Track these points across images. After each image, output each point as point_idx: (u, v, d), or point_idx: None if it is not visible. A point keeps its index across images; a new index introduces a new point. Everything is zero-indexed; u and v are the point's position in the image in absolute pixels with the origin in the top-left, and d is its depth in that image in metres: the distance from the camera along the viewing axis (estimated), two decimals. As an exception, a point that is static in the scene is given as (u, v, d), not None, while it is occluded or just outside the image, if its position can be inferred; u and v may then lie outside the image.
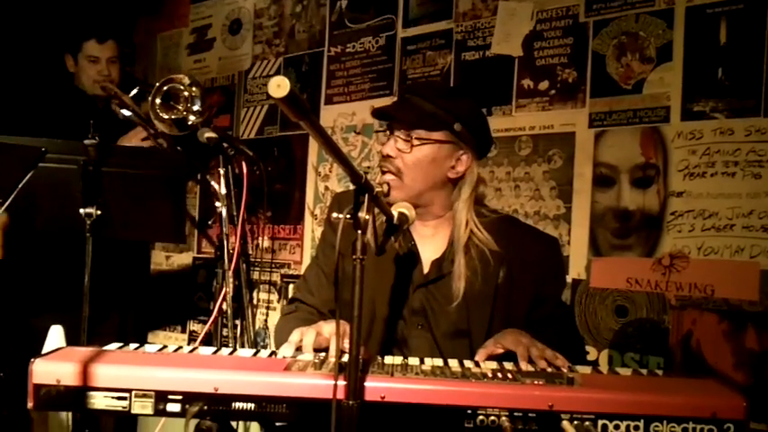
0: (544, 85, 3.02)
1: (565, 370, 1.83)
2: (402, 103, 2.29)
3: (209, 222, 4.25)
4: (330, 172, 3.78)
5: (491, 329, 2.10)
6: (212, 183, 3.17)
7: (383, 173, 2.22)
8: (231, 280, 3.09)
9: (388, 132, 2.23)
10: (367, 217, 1.51)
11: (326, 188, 3.79)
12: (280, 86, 1.09)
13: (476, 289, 2.17)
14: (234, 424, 1.75)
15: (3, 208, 1.87)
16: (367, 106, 3.60)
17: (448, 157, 2.21)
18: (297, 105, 1.16)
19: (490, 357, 1.93)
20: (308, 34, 3.94)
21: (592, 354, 2.82)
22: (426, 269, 2.24)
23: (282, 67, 4.03)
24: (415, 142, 2.16)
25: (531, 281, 2.21)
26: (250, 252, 4.00)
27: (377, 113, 2.30)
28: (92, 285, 2.51)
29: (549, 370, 1.81)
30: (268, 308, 4.01)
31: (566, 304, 2.54)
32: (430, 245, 2.27)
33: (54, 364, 1.63)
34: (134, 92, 3.36)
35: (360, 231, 1.50)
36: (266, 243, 4.02)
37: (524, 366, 1.83)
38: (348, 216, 1.52)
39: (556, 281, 2.37)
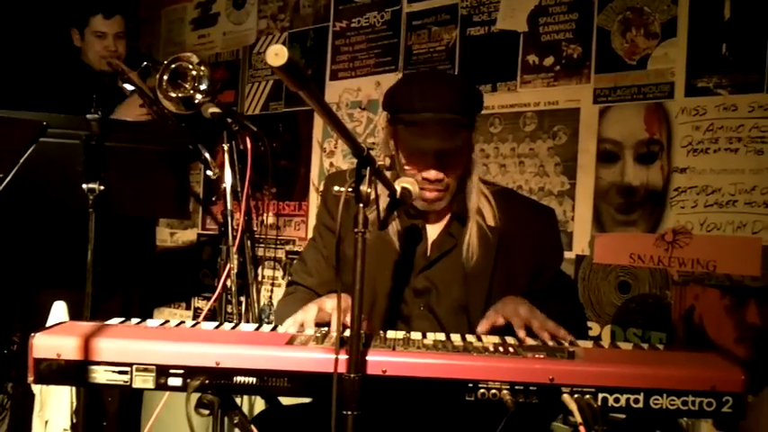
0: (549, 60, 3.01)
1: (566, 342, 1.83)
2: (437, 125, 2.05)
3: (214, 199, 4.26)
4: (335, 148, 3.77)
5: (488, 304, 2.07)
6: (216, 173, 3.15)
7: (422, 189, 2.07)
8: (236, 256, 3.09)
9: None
10: (369, 190, 1.50)
11: (331, 164, 3.78)
12: (278, 55, 1.08)
13: (475, 264, 2.16)
14: (238, 400, 1.75)
15: (4, 183, 1.86)
16: (372, 82, 3.60)
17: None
18: (295, 74, 1.14)
19: (493, 328, 1.92)
20: (313, 9, 3.92)
21: (594, 329, 2.82)
22: (429, 252, 2.23)
23: (287, 42, 4.01)
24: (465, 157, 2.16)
25: (530, 252, 2.20)
26: (255, 228, 3.99)
27: (427, 160, 2.09)
28: (96, 262, 2.51)
29: (551, 343, 1.81)
30: (273, 284, 4.02)
31: (567, 275, 2.53)
32: (432, 226, 2.26)
33: (54, 338, 1.64)
34: (141, 67, 3.34)
35: (361, 205, 1.50)
36: (271, 219, 4.03)
37: (523, 335, 1.83)
38: (350, 189, 1.51)
39: (555, 251, 2.35)
